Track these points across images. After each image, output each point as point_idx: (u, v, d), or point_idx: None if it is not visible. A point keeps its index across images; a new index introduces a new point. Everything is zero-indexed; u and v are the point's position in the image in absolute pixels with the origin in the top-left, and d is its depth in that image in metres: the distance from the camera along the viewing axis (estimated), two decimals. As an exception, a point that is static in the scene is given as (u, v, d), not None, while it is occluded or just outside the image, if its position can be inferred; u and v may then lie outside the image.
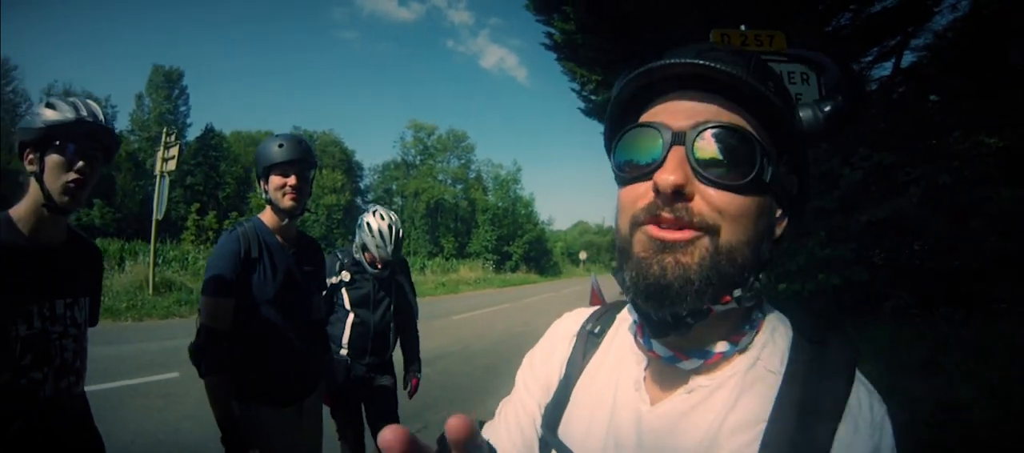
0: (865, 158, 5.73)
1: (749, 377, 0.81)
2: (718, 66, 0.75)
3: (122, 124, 60.72)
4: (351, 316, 3.84)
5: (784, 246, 0.86)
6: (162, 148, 16.61)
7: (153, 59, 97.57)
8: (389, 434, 0.50)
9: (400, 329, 4.08)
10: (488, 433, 1.09)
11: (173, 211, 49.83)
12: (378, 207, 3.98)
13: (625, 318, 1.00)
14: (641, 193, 0.78)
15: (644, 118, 0.83)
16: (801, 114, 0.85)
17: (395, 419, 3.98)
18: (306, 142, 2.93)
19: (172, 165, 16.67)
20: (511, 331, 14.54)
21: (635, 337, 0.92)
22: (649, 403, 0.85)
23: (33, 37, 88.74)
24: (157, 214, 16.65)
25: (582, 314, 1.10)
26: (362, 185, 72.71)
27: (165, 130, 18.43)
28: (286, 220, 2.88)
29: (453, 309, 19.82)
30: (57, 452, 2.08)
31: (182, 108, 63.42)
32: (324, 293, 3.46)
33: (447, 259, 53.58)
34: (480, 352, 11.55)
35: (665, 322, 0.78)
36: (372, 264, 3.87)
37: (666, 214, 0.75)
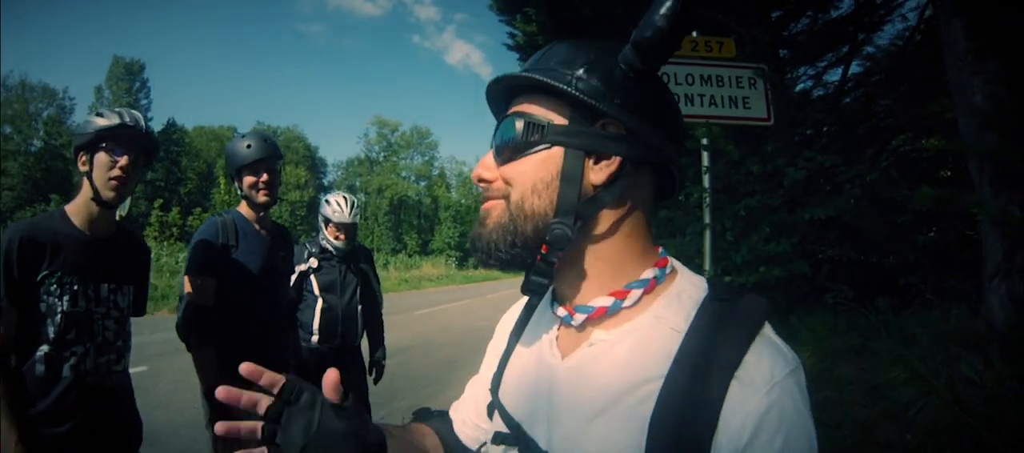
0: (809, 159, 6.01)
1: (651, 333, 0.86)
2: (500, 76, 0.97)
3: (80, 116, 58.33)
4: (320, 301, 4.03)
5: (623, 182, 0.90)
6: (125, 143, 16.35)
7: (113, 50, 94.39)
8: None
9: (366, 316, 4.25)
10: (454, 409, 1.26)
11: (134, 207, 48.26)
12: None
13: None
14: None
15: None
16: (622, 57, 0.90)
17: (365, 403, 4.16)
18: (271, 139, 3.21)
19: (134, 161, 16.39)
20: (472, 326, 14.65)
21: (551, 301, 1.04)
22: (560, 358, 0.96)
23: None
24: (121, 211, 16.41)
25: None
26: (325, 181, 71.82)
27: (127, 125, 18.14)
28: (262, 213, 3.14)
29: (416, 305, 19.89)
30: (95, 420, 2.34)
31: (143, 101, 61.21)
32: (293, 278, 3.71)
33: (410, 256, 53.42)
34: (442, 345, 11.71)
35: (526, 281, 0.94)
36: (336, 238, 4.09)
37: (484, 195, 0.98)
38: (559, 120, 0.89)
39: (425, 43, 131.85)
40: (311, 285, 4.08)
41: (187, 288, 2.95)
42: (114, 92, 58.91)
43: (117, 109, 2.43)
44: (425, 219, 70.94)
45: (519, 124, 0.91)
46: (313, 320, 4.03)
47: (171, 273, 19.49)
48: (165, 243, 33.02)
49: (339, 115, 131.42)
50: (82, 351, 2.30)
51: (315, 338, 4.02)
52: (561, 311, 0.96)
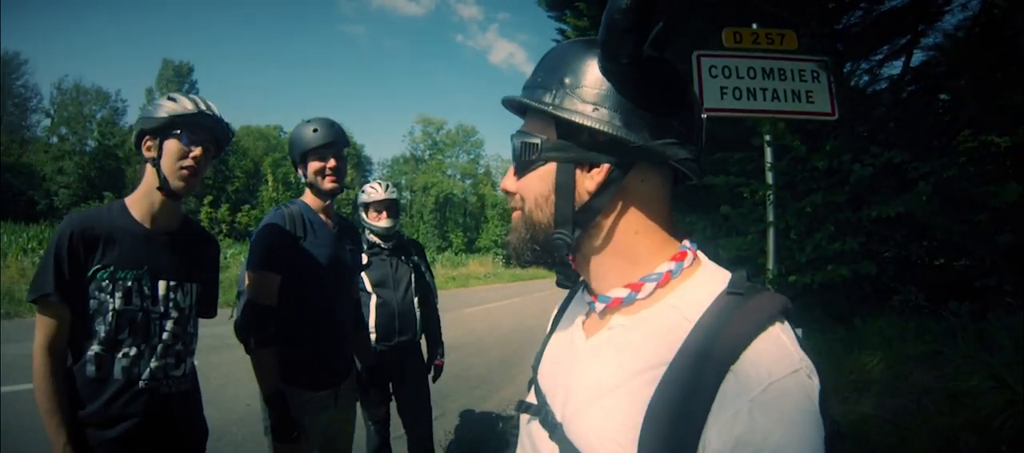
0: (875, 156, 5.78)
1: (664, 322, 0.89)
2: (508, 98, 1.05)
3: (132, 118, 60.76)
4: (374, 297, 3.95)
5: (616, 186, 0.94)
6: (176, 142, 16.69)
7: (163, 53, 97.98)
8: None
9: (422, 311, 4.16)
10: None
11: (185, 204, 49.62)
12: None
13: None
14: None
15: None
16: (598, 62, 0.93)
17: (427, 403, 4.14)
18: (337, 124, 2.99)
19: (186, 159, 16.75)
20: (522, 324, 14.65)
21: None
22: (585, 338, 1.04)
23: (42, 31, 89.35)
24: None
25: None
26: (371, 179, 72.64)
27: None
28: (328, 200, 2.97)
29: (465, 303, 19.91)
30: (149, 427, 2.21)
31: (193, 102, 63.16)
32: (361, 273, 3.60)
33: (456, 254, 53.60)
34: (493, 344, 11.69)
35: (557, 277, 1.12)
36: (377, 222, 4.04)
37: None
38: (550, 136, 0.97)
39: (468, 42, 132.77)
40: (363, 282, 3.97)
41: (250, 285, 2.76)
42: (164, 94, 60.04)
43: (190, 95, 2.29)
44: (471, 217, 71.14)
45: (517, 143, 1.01)
46: (368, 317, 3.91)
47: (222, 269, 19.77)
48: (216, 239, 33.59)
49: (383, 114, 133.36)
50: (136, 353, 2.18)
51: (373, 336, 3.87)
52: (589, 298, 1.05)
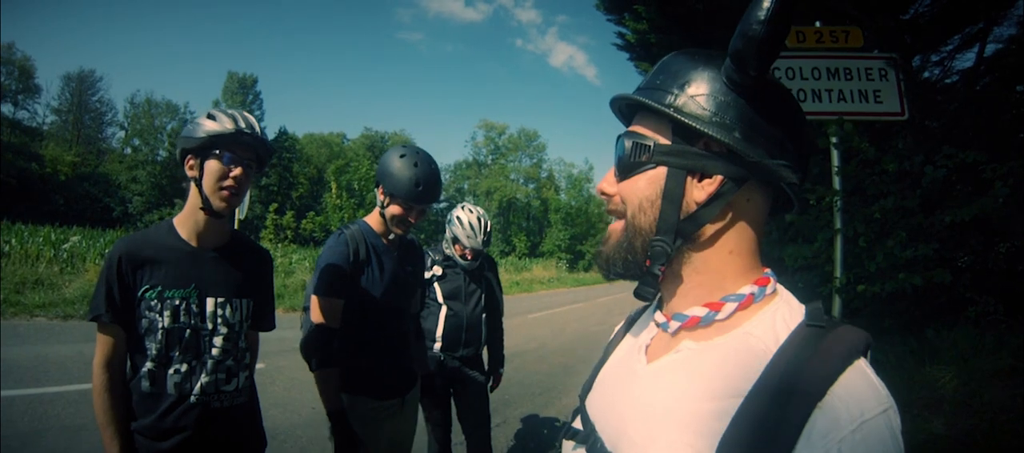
0: (949, 156, 5.49)
1: (739, 350, 0.85)
2: (618, 96, 1.01)
3: (201, 129, 64.35)
4: (444, 309, 3.99)
5: (725, 200, 0.90)
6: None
7: (228, 66, 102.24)
8: None
9: (487, 325, 4.21)
10: None
11: (251, 211, 51.30)
12: (465, 202, 4.16)
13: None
14: None
15: None
16: (723, 69, 0.90)
17: (486, 412, 4.19)
18: (439, 181, 2.96)
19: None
20: (586, 330, 14.67)
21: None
22: (645, 362, 0.99)
23: (117, 49, 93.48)
24: (240, 214, 17.20)
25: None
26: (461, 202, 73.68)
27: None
28: (392, 235, 3.01)
29: (528, 308, 19.96)
30: (202, 440, 2.26)
31: (256, 112, 66.20)
32: (422, 288, 3.62)
33: (520, 258, 53.85)
34: (556, 350, 11.70)
35: (638, 287, 0.96)
36: (463, 256, 4.02)
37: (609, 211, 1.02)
38: (664, 140, 0.93)
39: (528, 46, 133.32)
40: (435, 293, 4.04)
41: (315, 309, 2.81)
42: (230, 105, 63.69)
43: (230, 112, 2.28)
44: (534, 221, 71.47)
45: (628, 144, 0.96)
46: (436, 328, 3.98)
47: (285, 273, 20.15)
48: (279, 245, 34.45)
49: (445, 119, 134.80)
50: (186, 369, 2.22)
51: (438, 345, 3.97)
52: (660, 317, 0.99)
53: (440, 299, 4.02)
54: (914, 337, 5.92)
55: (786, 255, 6.20)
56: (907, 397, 5.02)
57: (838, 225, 5.46)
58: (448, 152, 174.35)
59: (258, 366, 7.96)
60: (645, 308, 1.17)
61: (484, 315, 4.15)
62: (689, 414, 0.82)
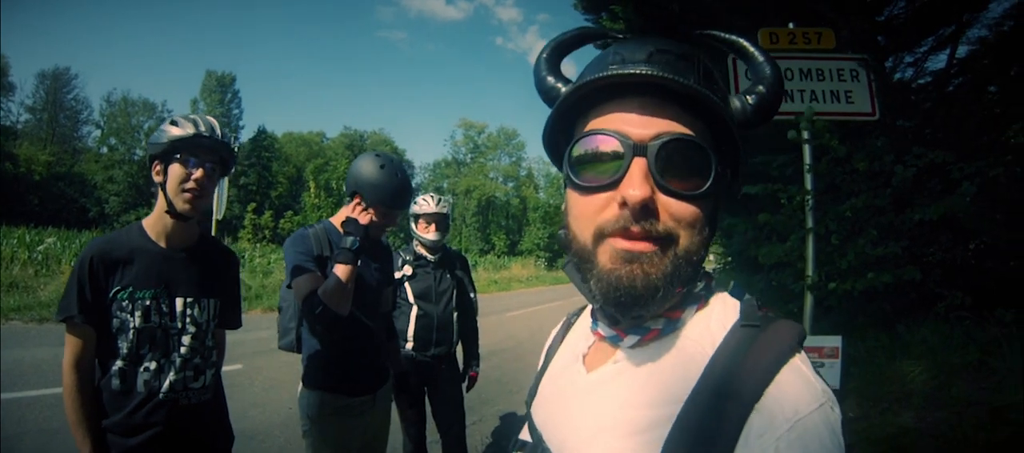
0: (918, 156, 5.60)
1: (678, 355, 0.85)
2: (675, 78, 0.80)
3: (179, 128, 63.23)
4: (415, 309, 4.03)
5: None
6: (222, 151, 17.04)
7: (206, 64, 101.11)
8: None
9: (460, 324, 4.25)
10: None
11: (229, 210, 50.92)
12: None
13: (588, 308, 1.11)
14: (604, 204, 0.84)
15: (597, 124, 0.87)
16: (732, 107, 0.90)
17: (460, 410, 4.24)
18: (410, 192, 3.07)
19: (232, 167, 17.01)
20: (564, 328, 14.62)
21: (589, 323, 1.04)
22: (585, 372, 0.97)
23: (92, 46, 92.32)
24: (217, 214, 17.06)
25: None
26: (413, 183, 73.04)
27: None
28: None
29: (507, 306, 19.98)
30: (169, 436, 2.32)
31: (235, 111, 65.58)
32: (391, 287, 3.61)
33: (499, 256, 53.91)
34: (533, 349, 11.69)
35: (622, 318, 0.89)
36: (426, 232, 4.07)
37: (635, 229, 0.80)
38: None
39: (508, 44, 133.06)
40: (405, 293, 4.08)
41: (299, 290, 2.79)
42: (208, 104, 63.00)
43: (192, 116, 2.36)
44: (513, 220, 71.47)
45: (708, 156, 0.84)
46: (408, 327, 4.02)
47: (264, 274, 20.06)
48: (258, 245, 34.22)
49: (425, 118, 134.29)
50: (156, 367, 2.29)
51: (409, 345, 4.01)
52: (606, 330, 0.94)
53: (411, 299, 4.06)
54: (885, 333, 6.03)
55: (760, 253, 6.28)
56: (878, 391, 5.12)
57: (810, 223, 5.54)
58: (428, 151, 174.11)
59: (236, 366, 7.97)
60: (580, 310, 1.17)
61: (456, 314, 4.19)
62: (630, 423, 0.82)
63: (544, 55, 1.07)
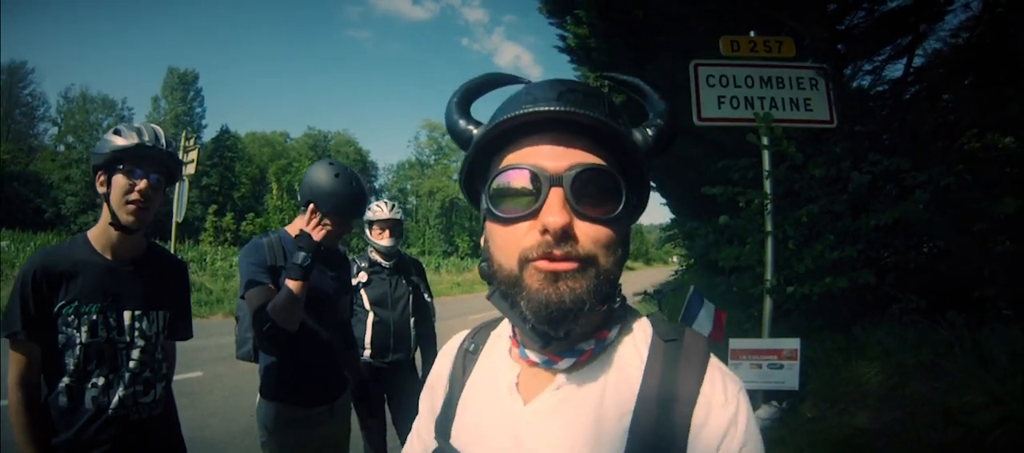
0: (874, 163, 5.74)
1: (613, 373, 0.93)
2: (585, 113, 0.86)
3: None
4: (371, 315, 4.01)
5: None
6: (181, 151, 16.76)
7: (168, 61, 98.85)
8: None
9: (418, 330, 4.22)
10: None
11: (189, 212, 50.03)
12: None
13: (499, 335, 1.13)
14: (525, 232, 0.88)
15: (514, 159, 0.92)
16: (649, 135, 0.98)
17: None
18: (365, 199, 3.04)
19: (191, 168, 16.74)
20: (526, 330, 14.55)
21: (509, 350, 1.05)
22: (523, 403, 0.96)
23: (50, 40, 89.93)
24: (177, 217, 16.81)
25: (460, 336, 1.20)
26: (377, 185, 72.82)
27: (185, 134, 18.67)
28: None
29: (469, 309, 19.79)
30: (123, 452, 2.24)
31: (197, 110, 64.30)
32: (348, 295, 3.55)
33: (462, 258, 53.73)
34: (495, 353, 11.68)
35: (555, 335, 0.90)
36: (380, 238, 4.07)
37: (557, 252, 0.85)
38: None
39: (474, 45, 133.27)
40: (361, 299, 4.06)
41: (251, 301, 2.77)
42: (169, 102, 61.62)
43: (136, 126, 2.30)
44: (477, 221, 71.03)
45: (618, 183, 0.90)
46: (365, 334, 4.00)
47: (226, 277, 19.81)
48: (220, 248, 33.70)
49: (389, 119, 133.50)
50: (104, 382, 2.21)
51: (367, 352, 3.99)
52: (537, 356, 0.97)
53: (367, 305, 4.06)
54: (842, 335, 6.15)
55: (720, 257, 6.37)
56: (835, 392, 5.23)
57: (769, 227, 5.65)
58: (391, 152, 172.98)
59: (196, 374, 7.86)
60: (478, 332, 1.18)
61: (413, 319, 4.19)
62: (590, 444, 0.88)
63: (455, 100, 1.11)
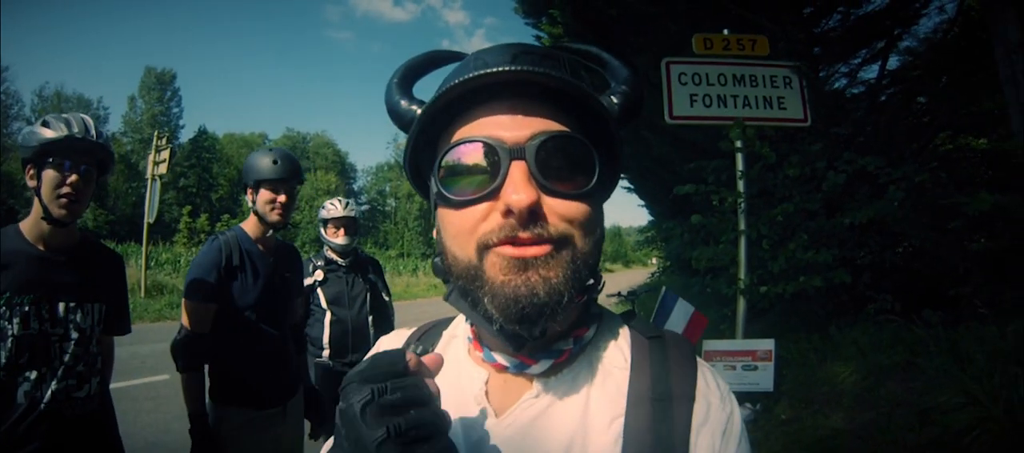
0: (849, 161, 5.71)
1: (597, 375, 0.84)
2: (546, 72, 0.74)
3: (114, 126, 61.19)
4: (328, 314, 3.96)
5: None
6: (153, 152, 16.66)
7: (145, 60, 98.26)
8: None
9: (377, 330, 4.13)
10: None
11: (166, 213, 49.69)
12: None
13: (453, 335, 1.00)
14: (483, 215, 0.75)
15: (465, 133, 0.79)
16: (618, 101, 0.89)
17: None
18: (296, 159, 3.05)
19: (163, 168, 16.66)
20: (503, 333, 14.65)
21: (470, 352, 0.93)
22: (495, 415, 0.83)
23: (24, 38, 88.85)
24: (148, 217, 16.65)
25: (402, 335, 1.06)
26: (355, 186, 72.75)
27: (157, 133, 18.54)
28: (270, 232, 3.01)
29: (447, 311, 19.82)
30: (54, 449, 2.17)
31: (175, 110, 63.93)
32: (300, 297, 3.55)
33: (441, 260, 53.92)
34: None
35: (528, 336, 0.77)
36: (335, 237, 4.06)
37: (524, 235, 0.72)
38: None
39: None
40: (318, 299, 4.02)
41: (184, 313, 2.83)
42: (146, 101, 61.18)
43: (65, 116, 2.23)
44: (456, 223, 71.82)
45: (590, 152, 0.78)
46: (322, 335, 3.95)
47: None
48: (194, 249, 33.45)
49: (368, 121, 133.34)
50: (36, 376, 2.14)
51: (326, 353, 3.94)
52: (506, 360, 0.84)
53: (323, 304, 4.00)
54: (818, 334, 6.11)
55: (693, 257, 6.33)
56: (810, 393, 5.17)
57: (742, 227, 5.61)
58: (371, 154, 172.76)
59: (162, 377, 7.72)
60: (425, 333, 1.05)
61: (371, 318, 4.12)
62: (588, 447, 0.78)
63: (395, 79, 0.99)
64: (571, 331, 0.85)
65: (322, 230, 4.13)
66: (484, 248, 0.75)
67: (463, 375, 0.90)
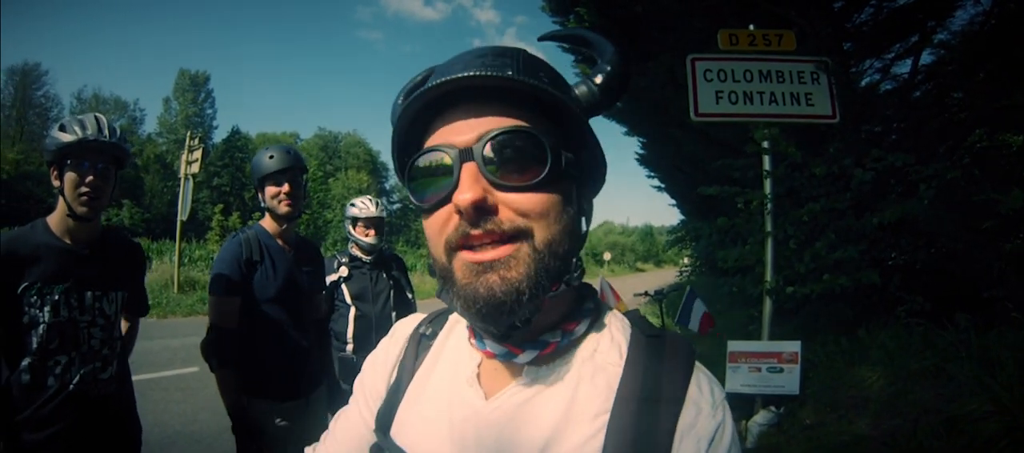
0: (878, 159, 5.56)
1: (587, 368, 0.85)
2: (485, 73, 0.77)
3: (150, 127, 62.11)
4: (352, 310, 4.03)
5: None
6: (186, 151, 17.02)
7: (180, 63, 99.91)
8: None
9: None
10: (321, 447, 1.10)
11: (200, 211, 50.36)
12: None
13: (458, 320, 1.03)
14: (446, 218, 0.80)
15: (428, 143, 0.84)
16: (578, 91, 0.89)
17: None
18: (294, 149, 3.19)
19: (196, 168, 16.97)
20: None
21: (468, 338, 0.96)
22: (484, 398, 0.87)
23: (64, 42, 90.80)
24: (182, 215, 17.00)
25: (417, 317, 1.11)
26: (387, 185, 72.91)
27: (189, 134, 18.88)
28: (284, 225, 3.12)
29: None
30: (78, 428, 2.36)
31: (208, 111, 64.87)
32: (323, 292, 3.68)
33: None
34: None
35: (497, 330, 0.80)
36: (365, 236, 4.11)
37: (476, 232, 0.76)
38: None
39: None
40: (342, 294, 4.09)
41: (211, 310, 3.00)
42: (181, 103, 62.05)
43: (80, 118, 2.40)
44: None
45: (540, 141, 0.80)
46: (347, 329, 4.01)
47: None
48: (226, 246, 34.02)
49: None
50: (66, 360, 2.33)
51: (350, 347, 3.99)
52: (496, 348, 0.87)
53: (348, 300, 4.06)
54: (846, 337, 5.98)
55: (719, 257, 6.24)
56: (835, 397, 5.06)
57: (769, 227, 5.50)
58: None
59: (192, 370, 7.87)
60: (437, 317, 1.08)
61: (394, 314, 4.13)
62: (562, 442, 0.80)
63: (397, 100, 1.02)
64: (560, 324, 0.87)
65: (350, 228, 4.19)
66: (451, 251, 0.80)
67: (461, 358, 0.95)
